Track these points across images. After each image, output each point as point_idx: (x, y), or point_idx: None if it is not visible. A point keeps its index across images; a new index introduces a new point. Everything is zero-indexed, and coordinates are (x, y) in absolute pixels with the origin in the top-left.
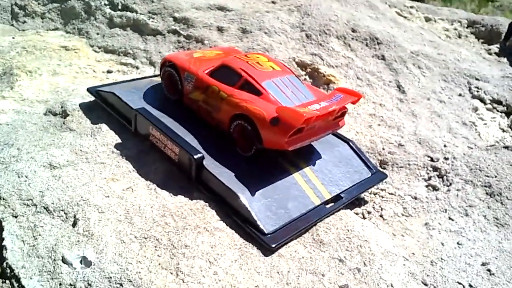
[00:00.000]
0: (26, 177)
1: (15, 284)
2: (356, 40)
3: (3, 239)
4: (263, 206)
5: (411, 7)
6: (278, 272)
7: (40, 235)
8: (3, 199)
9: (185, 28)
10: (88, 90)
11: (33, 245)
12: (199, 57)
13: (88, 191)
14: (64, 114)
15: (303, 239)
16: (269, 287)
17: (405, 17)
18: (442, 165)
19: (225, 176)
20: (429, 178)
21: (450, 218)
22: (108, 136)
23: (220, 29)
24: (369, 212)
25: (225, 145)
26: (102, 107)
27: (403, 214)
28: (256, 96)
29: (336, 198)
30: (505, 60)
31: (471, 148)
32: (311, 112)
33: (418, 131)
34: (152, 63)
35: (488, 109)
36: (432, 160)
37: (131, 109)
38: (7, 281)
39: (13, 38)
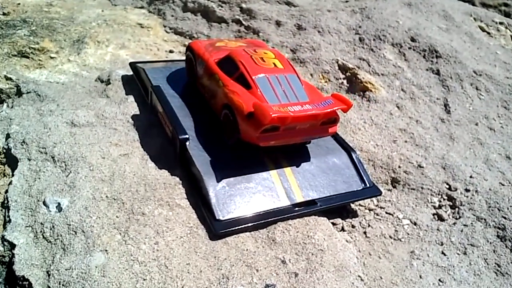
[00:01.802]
0: (49, 129)
1: (6, 214)
2: (413, 50)
3: (14, 175)
4: (225, 193)
5: (501, 23)
6: (215, 257)
7: (39, 178)
8: (26, 143)
9: (247, 18)
10: (130, 64)
11: (30, 185)
12: (219, 46)
13: (90, 150)
14: (107, 82)
15: (258, 234)
16: (199, 268)
17: (488, 33)
18: (459, 196)
19: (201, 159)
20: (439, 207)
21: (443, 253)
22: (130, 107)
23: (278, 23)
24: (353, 226)
25: (216, 131)
26: (135, 80)
27: (391, 237)
28: (246, 89)
29: (310, 203)
30: None
31: (503, 185)
32: (281, 112)
33: (448, 155)
34: None
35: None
36: (450, 188)
37: (150, 84)
38: (3, 210)
39: (102, 11)
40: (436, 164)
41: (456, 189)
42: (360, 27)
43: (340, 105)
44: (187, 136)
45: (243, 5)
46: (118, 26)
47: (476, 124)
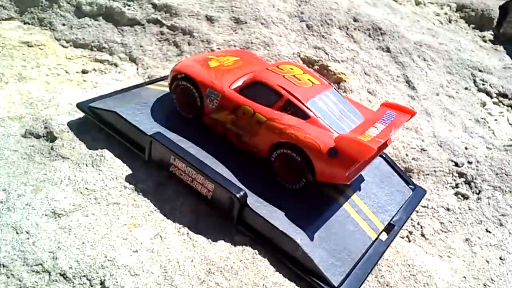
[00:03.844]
0: (27, 233)
1: None
2: (359, 30)
3: None
4: (325, 251)
5: None
6: None
7: None
8: (4, 266)
9: (167, 17)
10: (79, 106)
11: None
12: (217, 67)
13: (110, 246)
14: (51, 137)
15: (368, 283)
16: None
17: (396, 1)
18: (468, 170)
19: (275, 217)
20: (457, 186)
21: (487, 230)
22: (115, 166)
23: (209, 19)
24: (410, 232)
25: (261, 174)
26: (97, 126)
27: (442, 231)
28: (303, 120)
29: (389, 228)
30: (501, 48)
31: (490, 149)
32: (376, 142)
33: (436, 132)
34: (133, 60)
35: (494, 103)
36: (456, 165)
37: (144, 134)
38: None
39: None
40: (433, 144)
41: (462, 164)
42: (302, 13)
43: (406, 116)
44: (244, 192)
45: (156, 1)
46: None
47: (438, 95)
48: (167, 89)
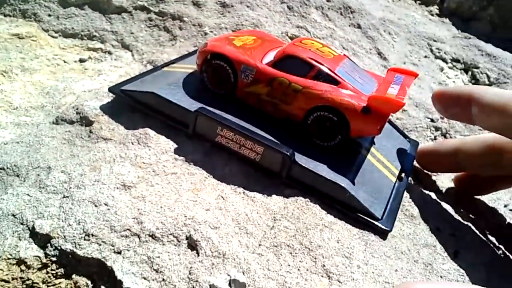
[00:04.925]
0: (106, 204)
1: None
2: (332, 9)
3: (121, 282)
4: (364, 193)
5: None
6: (402, 252)
7: (162, 267)
8: (93, 235)
9: (154, 3)
10: (111, 90)
11: (164, 280)
12: (243, 46)
13: (185, 207)
14: (86, 121)
15: (398, 216)
16: (405, 269)
17: None
18: (442, 125)
19: (321, 169)
20: (435, 138)
21: None
22: (162, 142)
23: (196, 4)
24: (416, 176)
25: (297, 137)
26: (130, 108)
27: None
28: (335, 85)
29: (402, 173)
30: (447, 20)
31: None
32: (401, 98)
33: (411, 95)
34: (125, 46)
35: (450, 68)
36: (432, 121)
37: (188, 111)
38: None
39: None
40: (411, 105)
41: (437, 120)
42: None
43: (412, 77)
44: (292, 151)
45: None
46: None
47: (405, 63)
48: (190, 70)
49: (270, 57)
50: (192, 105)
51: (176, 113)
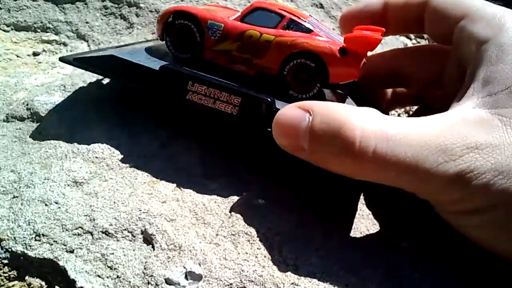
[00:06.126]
0: (57, 203)
1: None
2: None
3: (74, 281)
4: None
5: None
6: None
7: (117, 263)
8: (44, 235)
9: None
10: (62, 60)
11: (118, 276)
12: (206, 8)
13: (140, 201)
14: (37, 117)
15: None
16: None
17: None
18: None
19: None
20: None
21: None
22: (115, 132)
23: None
24: None
25: (272, 91)
26: (81, 99)
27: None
28: (307, 33)
29: None
30: None
31: None
32: (378, 34)
33: None
34: (81, 37)
35: (414, 44)
36: None
37: (152, 70)
38: None
39: None
40: None
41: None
42: None
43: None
44: (272, 97)
45: None
46: None
47: None
48: (148, 44)
49: (235, 17)
50: (154, 65)
51: (138, 76)
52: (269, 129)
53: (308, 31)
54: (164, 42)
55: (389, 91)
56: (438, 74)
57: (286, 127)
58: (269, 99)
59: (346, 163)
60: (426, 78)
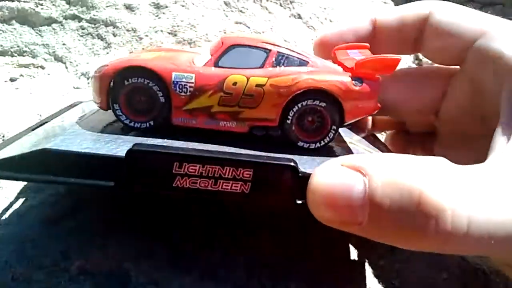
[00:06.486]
0: None
1: None
2: (271, 1)
3: None
4: None
5: None
6: None
7: None
8: None
9: (84, 11)
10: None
11: None
12: (158, 56)
13: None
14: None
15: None
16: None
17: None
18: None
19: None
20: None
21: None
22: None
23: (128, 7)
24: None
25: (276, 147)
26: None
27: None
28: (304, 66)
29: None
30: (389, 0)
31: None
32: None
33: None
34: (58, 59)
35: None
36: None
37: (112, 158)
38: None
39: None
40: None
41: None
42: None
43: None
44: (292, 159)
45: None
46: None
47: None
48: (82, 112)
49: (201, 60)
50: (114, 150)
51: (91, 170)
52: (298, 202)
53: (303, 63)
54: (109, 110)
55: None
56: (436, 100)
57: (332, 196)
58: (292, 163)
59: (427, 241)
60: (420, 106)
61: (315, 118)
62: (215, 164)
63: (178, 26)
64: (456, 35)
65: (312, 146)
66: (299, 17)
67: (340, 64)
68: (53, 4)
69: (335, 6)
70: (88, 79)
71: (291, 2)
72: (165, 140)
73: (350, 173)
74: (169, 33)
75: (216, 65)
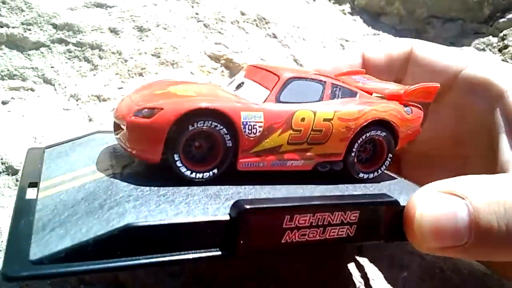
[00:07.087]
0: None
1: None
2: (247, 22)
3: None
4: None
5: None
6: None
7: None
8: None
9: (71, 35)
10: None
11: None
12: (198, 93)
13: None
14: (12, 170)
15: None
16: None
17: None
18: None
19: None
20: None
21: None
22: None
23: (113, 31)
24: None
25: (344, 184)
26: None
27: None
28: (355, 97)
29: None
30: (358, 18)
31: None
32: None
33: None
34: (47, 81)
35: None
36: None
37: (202, 224)
38: None
39: None
40: None
41: None
42: (197, 13)
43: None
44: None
45: (55, 21)
46: None
47: None
48: (99, 175)
49: (244, 94)
50: (208, 211)
51: (189, 244)
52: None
53: (353, 94)
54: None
55: None
56: None
57: (439, 227)
58: (393, 199)
59: None
60: None
61: (370, 148)
62: (325, 211)
63: (161, 48)
64: (438, 67)
65: (371, 176)
66: (274, 36)
67: (363, 90)
68: (41, 29)
69: (308, 25)
70: (77, 101)
71: (266, 23)
72: (243, 187)
73: (450, 199)
74: (152, 55)
75: (278, 100)
